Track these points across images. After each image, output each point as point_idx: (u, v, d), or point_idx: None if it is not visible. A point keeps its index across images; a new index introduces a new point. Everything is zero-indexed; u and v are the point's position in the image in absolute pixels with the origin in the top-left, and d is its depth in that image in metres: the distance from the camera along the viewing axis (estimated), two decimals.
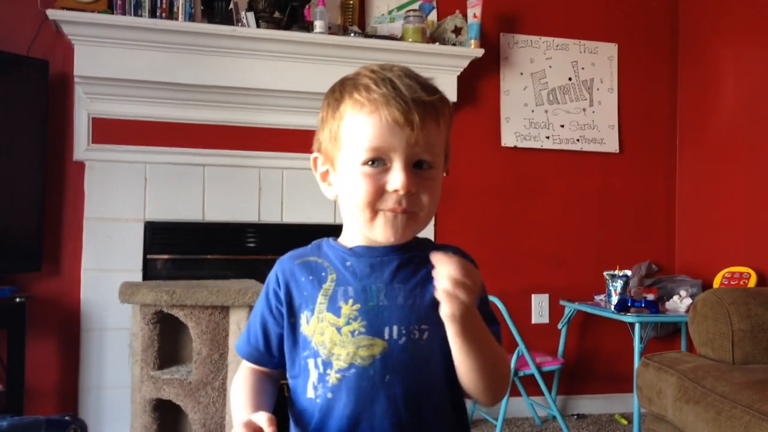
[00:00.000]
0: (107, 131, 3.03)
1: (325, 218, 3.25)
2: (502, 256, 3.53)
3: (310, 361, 1.01)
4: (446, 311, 0.91)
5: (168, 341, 2.60)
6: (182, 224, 3.12)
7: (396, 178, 0.97)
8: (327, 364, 1.00)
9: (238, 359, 2.47)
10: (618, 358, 3.65)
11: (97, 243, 3.00)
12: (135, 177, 3.05)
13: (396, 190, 0.97)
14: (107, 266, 3.00)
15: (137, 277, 3.02)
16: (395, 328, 1.00)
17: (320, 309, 1.02)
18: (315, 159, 1.09)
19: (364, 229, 1.03)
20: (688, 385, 2.14)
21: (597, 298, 3.46)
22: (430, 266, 0.96)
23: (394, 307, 1.01)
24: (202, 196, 3.14)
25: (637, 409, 2.98)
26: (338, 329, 1.00)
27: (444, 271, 0.90)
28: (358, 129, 0.99)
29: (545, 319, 3.62)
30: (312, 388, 1.01)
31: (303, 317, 1.04)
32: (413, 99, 0.97)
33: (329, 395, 0.99)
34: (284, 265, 1.08)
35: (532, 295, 3.61)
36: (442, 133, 1.02)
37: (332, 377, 0.99)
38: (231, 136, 3.18)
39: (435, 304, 0.95)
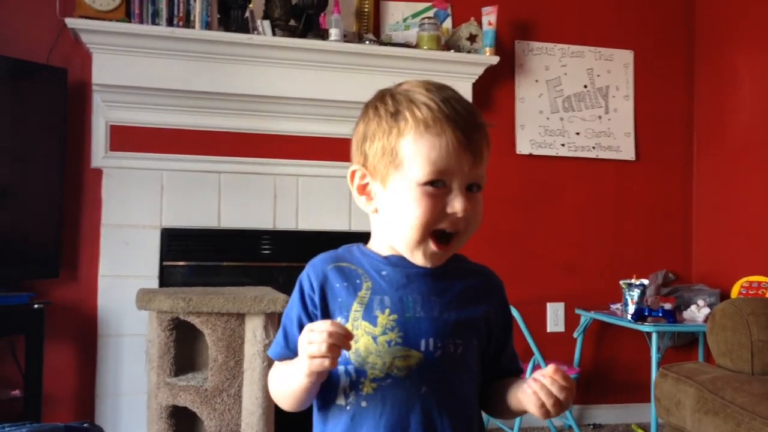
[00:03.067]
0: (125, 139, 3.04)
1: (340, 225, 3.25)
2: (517, 264, 3.51)
3: (340, 368, 1.01)
4: (547, 414, 0.95)
5: (184, 348, 2.60)
6: (198, 231, 3.13)
7: (457, 202, 0.98)
8: (361, 372, 1.00)
9: (254, 366, 2.49)
10: (634, 368, 3.62)
11: (115, 249, 3.01)
12: (152, 184, 3.06)
13: (455, 213, 0.98)
14: (124, 272, 3.00)
15: (153, 283, 3.02)
16: (431, 341, 1.00)
17: (355, 317, 1.02)
18: (354, 172, 1.06)
19: (406, 249, 1.03)
20: (707, 396, 2.13)
21: (613, 306, 3.43)
22: (467, 281, 1.01)
23: (430, 320, 1.02)
24: (217, 203, 3.15)
25: (655, 420, 2.96)
26: (374, 338, 1.00)
27: (555, 386, 0.93)
28: (424, 149, 0.98)
29: (560, 328, 3.60)
30: (342, 395, 1.01)
31: None
32: (473, 123, 0.99)
33: (363, 403, 0.99)
34: (317, 269, 1.07)
35: (547, 304, 3.59)
36: (487, 155, 1.03)
37: (367, 386, 0.99)
38: (246, 144, 3.18)
39: (470, 320, 0.99)
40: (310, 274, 1.07)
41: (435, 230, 0.99)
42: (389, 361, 0.99)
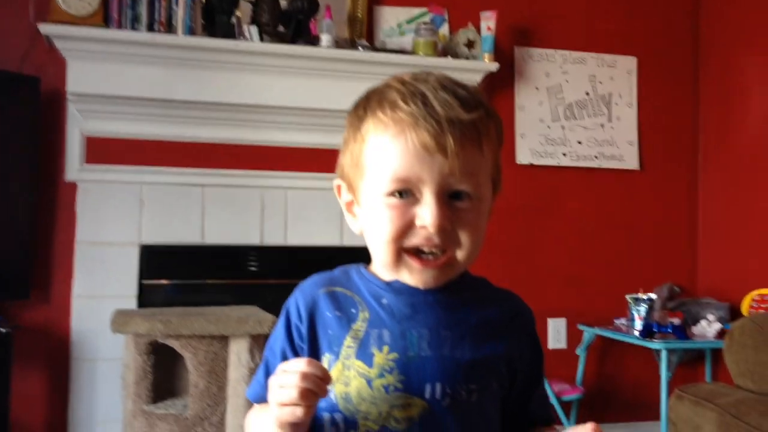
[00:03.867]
0: (101, 150, 2.89)
1: (331, 240, 3.10)
2: (517, 278, 3.33)
3: (326, 416, 0.84)
4: None
5: (163, 373, 2.45)
6: (180, 248, 2.99)
7: (426, 212, 0.81)
8: (350, 423, 0.83)
9: (238, 392, 2.32)
10: (640, 386, 3.47)
11: (90, 268, 2.86)
12: (130, 198, 2.92)
13: (424, 227, 0.81)
14: (100, 293, 2.85)
15: (132, 303, 2.87)
16: (438, 386, 0.83)
17: (347, 354, 0.85)
18: (338, 186, 0.93)
19: (388, 272, 0.87)
20: (730, 421, 1.96)
21: (617, 321, 3.28)
22: (486, 311, 0.84)
23: (438, 360, 0.84)
24: (201, 217, 3.00)
25: None
26: (369, 382, 0.83)
27: None
28: (382, 155, 0.83)
29: (562, 345, 3.44)
30: None
31: (325, 361, 0.86)
32: (448, 118, 0.81)
33: None
34: (306, 294, 0.91)
35: (548, 319, 3.43)
36: (485, 156, 0.85)
37: None
38: (232, 155, 3.04)
39: (488, 359, 0.81)
40: (298, 300, 0.91)
41: (409, 248, 0.83)
42: (386, 410, 0.82)
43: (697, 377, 3.52)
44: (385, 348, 0.84)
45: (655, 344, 2.82)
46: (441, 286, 0.87)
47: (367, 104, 0.87)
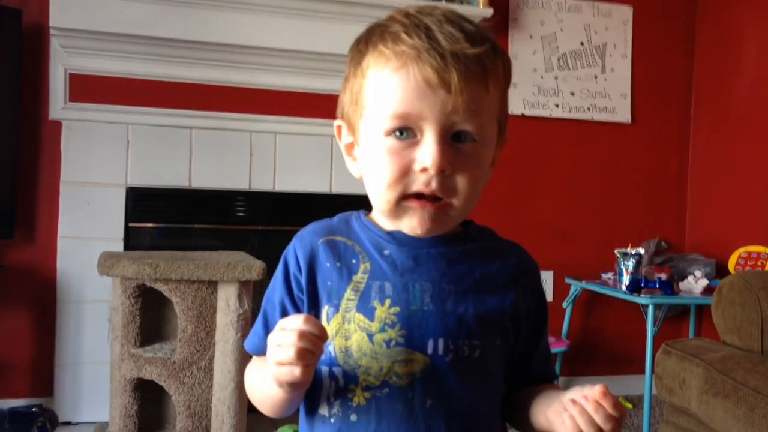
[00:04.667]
0: (86, 88, 2.80)
1: (320, 187, 3.05)
2: (504, 229, 3.22)
3: (324, 369, 0.81)
4: None
5: (151, 316, 2.42)
6: (167, 191, 2.92)
7: (425, 153, 0.77)
8: (350, 378, 0.80)
9: (226, 337, 2.30)
10: (625, 339, 3.50)
11: (75, 209, 2.79)
12: (116, 139, 2.84)
13: (425, 169, 0.77)
14: (86, 234, 2.79)
15: (118, 246, 2.82)
16: (441, 342, 0.80)
17: (347, 306, 0.81)
18: (339, 127, 0.88)
19: (390, 221, 0.83)
20: (717, 377, 1.98)
21: (604, 276, 3.29)
22: (491, 263, 0.80)
23: (441, 314, 0.81)
24: (188, 160, 2.94)
25: (649, 395, 2.83)
26: (370, 336, 0.80)
27: (600, 413, 0.73)
28: (381, 90, 0.78)
29: (549, 298, 3.45)
30: (326, 403, 0.81)
31: (324, 313, 0.83)
32: (453, 52, 0.76)
33: (353, 417, 0.80)
34: (305, 243, 0.87)
35: None
36: (491, 95, 0.80)
37: (358, 396, 0.80)
38: (221, 97, 2.96)
39: (492, 314, 0.78)
40: (296, 249, 0.87)
41: (407, 195, 0.79)
42: (387, 365, 0.79)
43: (682, 331, 3.56)
44: (387, 301, 0.81)
45: (642, 299, 2.83)
46: (444, 237, 0.84)
47: (369, 38, 0.82)
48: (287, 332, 0.73)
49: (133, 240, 2.87)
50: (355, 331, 0.80)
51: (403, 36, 0.77)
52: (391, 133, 0.79)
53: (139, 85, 2.86)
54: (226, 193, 3.01)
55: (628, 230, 3.50)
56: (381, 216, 0.85)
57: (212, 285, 2.31)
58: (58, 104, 2.78)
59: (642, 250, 3.05)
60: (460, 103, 0.76)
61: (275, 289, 0.88)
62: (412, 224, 0.81)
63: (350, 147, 0.87)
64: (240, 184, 3.01)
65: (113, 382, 2.41)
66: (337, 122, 0.89)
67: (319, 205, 3.05)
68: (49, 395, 2.77)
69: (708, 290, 2.89)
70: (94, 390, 2.75)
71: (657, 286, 2.88)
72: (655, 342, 2.80)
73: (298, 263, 0.85)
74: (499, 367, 0.85)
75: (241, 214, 3.04)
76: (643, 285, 2.89)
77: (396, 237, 0.84)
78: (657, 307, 2.89)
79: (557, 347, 3.08)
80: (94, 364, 2.76)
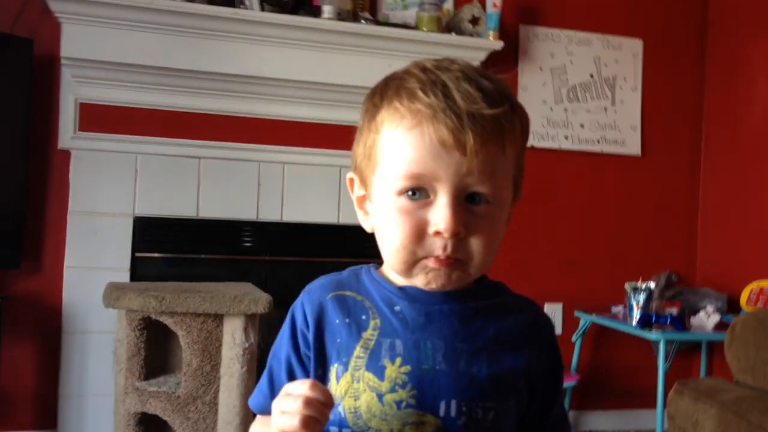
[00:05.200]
0: (96, 118, 2.81)
1: (328, 218, 3.05)
2: (514, 262, 3.31)
3: (332, 430, 0.78)
4: None
5: (156, 349, 2.39)
6: (174, 220, 2.92)
7: (439, 216, 0.75)
8: None
9: (232, 372, 2.27)
10: (635, 374, 3.45)
11: (82, 239, 2.79)
12: (125, 168, 2.84)
13: (438, 232, 0.75)
14: (92, 264, 2.78)
15: (124, 276, 2.81)
16: (453, 403, 0.77)
17: (357, 365, 0.79)
18: (351, 180, 0.87)
19: (403, 278, 0.81)
20: (731, 418, 1.94)
21: (614, 309, 3.25)
22: (505, 321, 0.77)
23: (453, 375, 0.78)
24: (196, 190, 2.93)
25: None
26: (380, 396, 0.77)
27: None
28: (395, 148, 0.77)
29: (558, 331, 3.41)
30: None
31: (333, 371, 0.80)
32: (469, 113, 0.74)
33: None
34: (314, 298, 0.85)
35: (545, 304, 3.40)
36: (507, 156, 0.78)
37: None
38: (229, 127, 2.96)
39: (506, 374, 0.75)
40: (304, 304, 0.84)
41: (421, 257, 0.77)
42: (398, 427, 0.76)
43: (693, 367, 3.51)
44: (398, 360, 0.78)
45: (653, 335, 2.79)
46: (457, 292, 0.81)
47: (385, 91, 0.80)
48: (292, 398, 0.71)
49: (139, 270, 2.86)
50: (365, 390, 0.78)
51: (419, 94, 0.75)
52: (403, 192, 0.77)
53: (148, 115, 2.86)
54: (233, 223, 3.00)
55: (638, 263, 3.47)
56: (393, 271, 0.83)
57: (218, 318, 2.29)
58: (68, 133, 2.79)
59: (653, 285, 3.01)
60: (475, 165, 0.74)
61: (282, 345, 0.85)
62: (427, 280, 0.79)
63: (362, 200, 0.86)
64: (248, 214, 3.00)
65: (117, 416, 2.38)
66: (349, 175, 0.87)
67: (326, 235, 3.04)
68: (53, 428, 2.74)
69: (720, 326, 2.85)
70: (99, 422, 2.72)
71: (668, 321, 2.84)
72: (666, 377, 2.76)
73: (305, 318, 0.83)
74: (513, 429, 0.82)
75: (248, 244, 3.03)
76: (654, 320, 2.85)
77: (407, 292, 0.82)
78: (668, 343, 2.85)
79: (566, 382, 3.04)
80: (99, 395, 2.73)
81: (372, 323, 0.81)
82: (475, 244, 0.77)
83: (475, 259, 0.78)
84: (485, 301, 0.84)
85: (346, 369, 0.79)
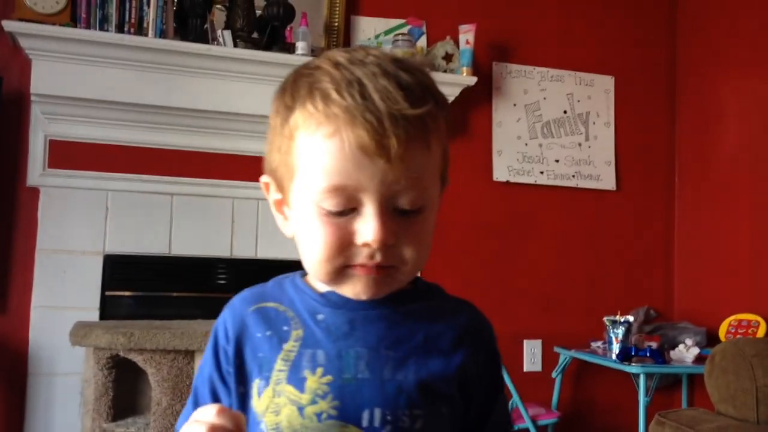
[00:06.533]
0: (65, 155, 2.77)
1: None
2: (492, 298, 3.28)
3: None
4: None
5: (124, 389, 2.33)
6: (146, 258, 2.86)
7: (367, 228, 0.70)
8: None
9: None
10: (616, 409, 3.41)
11: (50, 277, 2.72)
12: (95, 205, 2.79)
13: (366, 244, 0.70)
14: (60, 303, 2.71)
15: (94, 315, 2.73)
16: (377, 412, 0.73)
17: (278, 378, 0.75)
18: (266, 184, 0.81)
19: (328, 286, 0.77)
20: None
21: (594, 344, 3.22)
22: (437, 324, 0.73)
23: (377, 383, 0.74)
24: (169, 227, 2.88)
25: None
26: (300, 409, 0.73)
27: None
28: (313, 158, 0.70)
29: (537, 367, 3.37)
30: None
31: (254, 387, 0.76)
32: (391, 114, 0.67)
33: None
34: (236, 312, 0.81)
35: (524, 341, 3.36)
36: (434, 154, 0.73)
37: None
38: (202, 164, 2.94)
39: (436, 379, 0.72)
40: (226, 320, 0.81)
41: (347, 266, 0.72)
42: None
43: (674, 401, 3.48)
44: (319, 370, 0.74)
45: (633, 368, 2.76)
46: (386, 296, 0.76)
47: (296, 90, 0.73)
48: (197, 425, 0.66)
49: (109, 309, 2.78)
50: (285, 404, 0.74)
51: (334, 95, 0.69)
52: (326, 209, 0.72)
53: (119, 152, 2.83)
54: (207, 261, 2.95)
55: (616, 298, 3.45)
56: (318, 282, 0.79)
57: (189, 355, 2.24)
58: (37, 171, 2.74)
59: (631, 318, 3.00)
60: (401, 171, 0.69)
61: (205, 364, 0.81)
62: (355, 290, 0.74)
63: (280, 203, 0.80)
64: (221, 251, 2.95)
65: None
66: (264, 179, 0.81)
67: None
68: None
69: (699, 359, 2.82)
70: None
71: (647, 354, 2.81)
72: (647, 412, 2.72)
73: (227, 335, 0.79)
74: None
75: (222, 281, 2.98)
76: (633, 353, 2.82)
77: (330, 299, 0.78)
78: (648, 376, 2.82)
79: (547, 419, 2.99)
80: None
81: (294, 334, 0.77)
82: (407, 250, 0.73)
83: (409, 264, 0.74)
84: (417, 304, 0.80)
85: (267, 384, 0.75)
